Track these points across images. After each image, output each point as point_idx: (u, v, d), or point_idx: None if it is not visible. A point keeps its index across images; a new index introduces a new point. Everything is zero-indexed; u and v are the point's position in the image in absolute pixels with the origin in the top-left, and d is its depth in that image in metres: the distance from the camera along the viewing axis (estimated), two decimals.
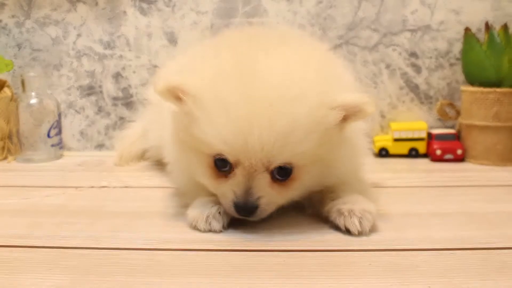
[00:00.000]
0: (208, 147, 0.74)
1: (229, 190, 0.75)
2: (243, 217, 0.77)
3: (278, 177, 0.75)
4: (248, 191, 0.74)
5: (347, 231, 0.75)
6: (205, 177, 0.78)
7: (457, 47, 1.34)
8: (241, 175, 0.74)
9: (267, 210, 0.77)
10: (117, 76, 1.41)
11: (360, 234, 0.74)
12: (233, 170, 0.74)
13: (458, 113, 1.32)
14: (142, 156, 1.27)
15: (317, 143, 0.72)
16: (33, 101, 1.30)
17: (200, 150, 0.76)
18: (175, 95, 0.75)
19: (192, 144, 0.77)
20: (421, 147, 1.30)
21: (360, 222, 0.74)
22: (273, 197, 0.76)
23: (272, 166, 0.73)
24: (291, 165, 0.74)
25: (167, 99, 0.77)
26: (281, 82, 0.71)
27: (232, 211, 0.77)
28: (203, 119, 0.72)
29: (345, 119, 0.74)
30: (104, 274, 0.63)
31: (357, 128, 0.83)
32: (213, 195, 0.81)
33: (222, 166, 0.75)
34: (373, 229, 0.76)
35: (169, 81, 0.75)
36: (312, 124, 0.71)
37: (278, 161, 0.73)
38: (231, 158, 0.73)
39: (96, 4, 1.38)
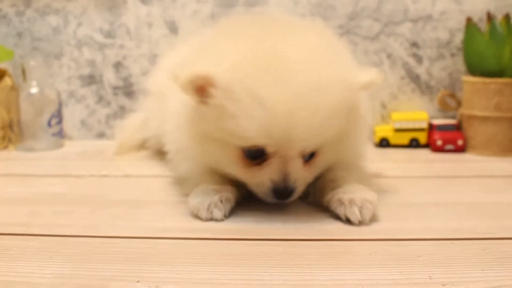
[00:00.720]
0: (243, 140, 0.73)
1: (266, 178, 0.76)
2: (279, 201, 0.78)
3: (306, 158, 0.77)
4: (286, 177, 0.75)
5: (348, 221, 0.75)
6: (233, 167, 0.78)
7: (459, 37, 1.33)
8: (277, 162, 0.75)
9: (300, 190, 0.78)
10: (117, 65, 1.41)
11: (360, 223, 0.74)
12: (268, 159, 0.75)
13: (459, 103, 1.31)
14: (142, 145, 1.27)
15: (343, 124, 0.75)
16: (34, 90, 1.30)
17: (228, 142, 0.75)
18: (198, 87, 0.73)
19: (219, 136, 0.75)
20: (422, 137, 1.30)
21: (360, 212, 0.74)
22: (305, 177, 0.78)
23: (307, 151, 0.75)
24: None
25: (187, 92, 0.75)
26: (311, 70, 0.72)
27: (269, 197, 0.78)
28: (239, 113, 0.71)
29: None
30: (104, 262, 0.63)
31: (364, 108, 0.84)
32: (215, 183, 0.81)
33: (254, 156, 0.76)
34: (373, 219, 0.76)
35: (194, 72, 0.72)
36: (342, 106, 0.74)
37: (314, 146, 0.75)
38: (270, 149, 0.74)
39: None
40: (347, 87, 0.74)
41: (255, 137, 0.72)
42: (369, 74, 0.77)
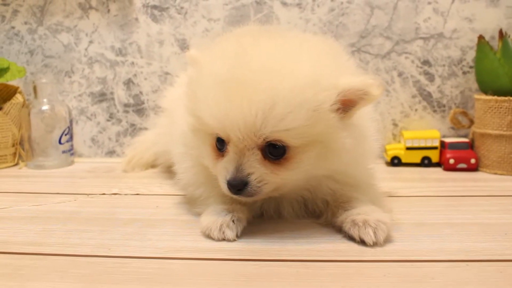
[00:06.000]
0: (205, 125, 0.76)
1: (223, 167, 0.76)
2: (236, 195, 0.76)
3: (270, 156, 0.74)
4: (238, 167, 0.74)
5: (362, 242, 0.74)
6: (208, 158, 0.80)
7: (470, 55, 1.33)
8: (232, 152, 0.75)
9: (260, 188, 0.75)
10: (128, 83, 1.41)
11: (374, 244, 0.74)
12: (227, 149, 0.75)
13: (471, 121, 1.31)
14: (152, 163, 1.28)
15: (306, 123, 0.71)
16: (45, 107, 1.30)
17: (203, 131, 0.78)
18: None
19: (196, 125, 0.79)
20: (434, 156, 1.29)
21: (374, 233, 0.74)
22: (266, 175, 0.75)
23: (260, 142, 0.73)
24: (282, 143, 0.73)
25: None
26: (268, 60, 0.72)
27: (226, 190, 0.76)
28: (200, 95, 0.75)
29: (351, 104, 0.74)
30: (115, 283, 0.63)
31: (366, 123, 0.84)
32: (226, 202, 0.82)
33: (220, 146, 0.77)
34: (387, 240, 0.75)
35: (191, 52, 0.82)
36: (296, 101, 0.70)
37: (264, 136, 0.72)
38: (222, 134, 0.74)
39: (108, 11, 1.38)
40: (307, 84, 0.71)
41: (206, 119, 0.74)
42: (357, 80, 0.73)
